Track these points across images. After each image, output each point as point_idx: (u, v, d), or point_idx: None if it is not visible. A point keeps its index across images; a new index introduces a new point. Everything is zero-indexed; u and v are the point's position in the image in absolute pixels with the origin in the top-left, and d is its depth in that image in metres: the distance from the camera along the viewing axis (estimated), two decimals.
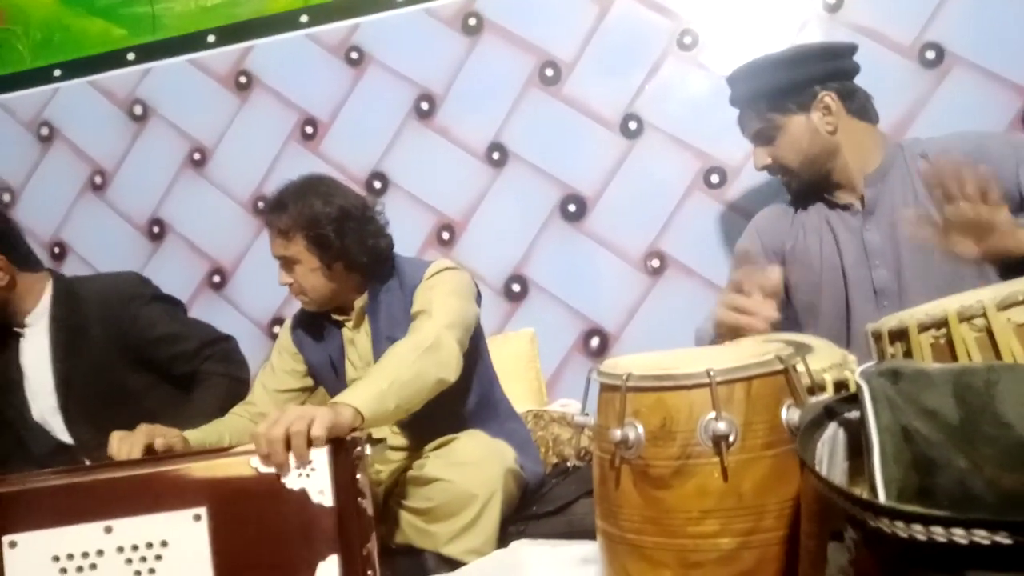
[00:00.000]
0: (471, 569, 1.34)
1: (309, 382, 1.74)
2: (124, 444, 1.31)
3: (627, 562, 0.96)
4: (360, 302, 1.66)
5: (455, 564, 1.38)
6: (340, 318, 1.69)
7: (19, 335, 1.95)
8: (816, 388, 1.00)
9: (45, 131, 2.79)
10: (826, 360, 1.10)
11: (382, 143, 2.50)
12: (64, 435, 1.92)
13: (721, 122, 2.18)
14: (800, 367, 0.98)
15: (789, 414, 0.93)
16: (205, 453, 1.36)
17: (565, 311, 2.34)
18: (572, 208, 2.34)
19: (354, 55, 2.52)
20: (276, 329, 2.48)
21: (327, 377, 1.71)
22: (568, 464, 1.82)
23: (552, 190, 2.35)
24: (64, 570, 1.09)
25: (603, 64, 2.32)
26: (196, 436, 1.50)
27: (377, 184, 2.50)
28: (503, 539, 1.42)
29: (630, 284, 2.28)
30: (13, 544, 1.09)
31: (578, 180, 2.33)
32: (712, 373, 0.91)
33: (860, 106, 1.67)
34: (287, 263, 1.62)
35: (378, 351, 1.61)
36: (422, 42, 2.46)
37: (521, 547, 1.35)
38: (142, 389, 1.90)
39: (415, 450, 1.62)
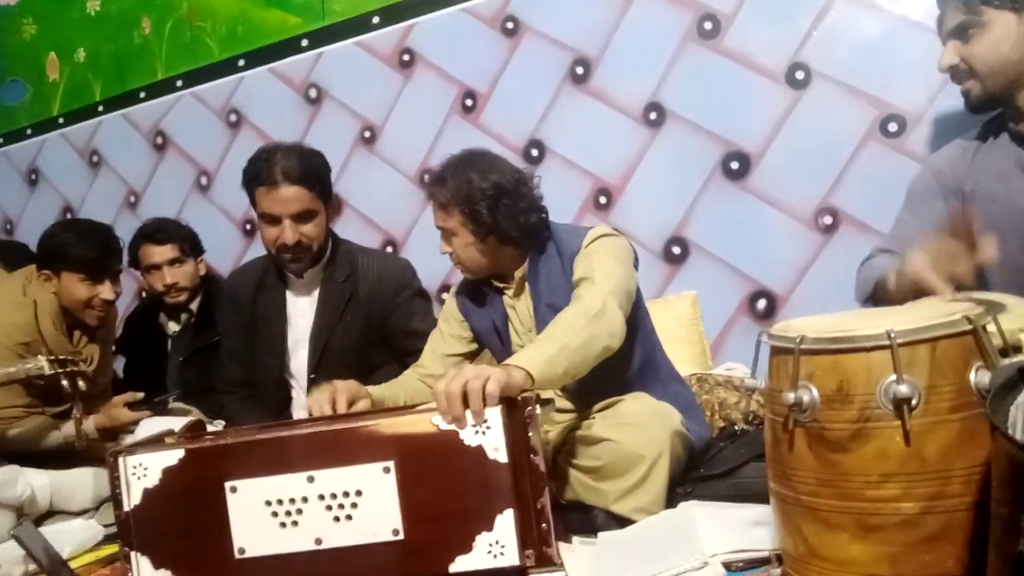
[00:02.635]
0: (641, 527, 1.36)
1: (475, 347, 1.82)
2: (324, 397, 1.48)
3: (802, 524, 0.95)
4: (520, 272, 1.71)
5: (624, 521, 1.40)
6: (501, 286, 1.74)
7: (287, 280, 2.06)
8: (1010, 349, 0.94)
9: (234, 118, 3.05)
10: (1021, 319, 1.02)
11: (538, 110, 2.53)
12: (300, 390, 2.05)
13: (898, 65, 2.04)
14: (991, 327, 0.92)
15: (978, 376, 0.89)
16: (392, 411, 1.47)
17: (729, 273, 2.29)
18: (735, 165, 2.27)
19: (509, 25, 2.55)
20: (444, 295, 2.59)
21: (492, 342, 1.77)
22: (736, 428, 1.80)
23: (713, 148, 2.29)
24: (275, 513, 1.21)
25: (765, 12, 2.22)
26: (376, 392, 1.63)
27: (534, 152, 2.54)
28: (671, 500, 1.43)
29: (799, 243, 2.19)
30: (234, 489, 1.22)
31: (741, 136, 2.26)
32: (892, 334, 0.87)
33: None
34: (446, 234, 1.69)
35: (539, 318, 1.65)
36: (576, 5, 2.46)
37: (691, 507, 1.36)
38: (377, 364, 2.02)
39: (580, 412, 1.66)
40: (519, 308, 1.72)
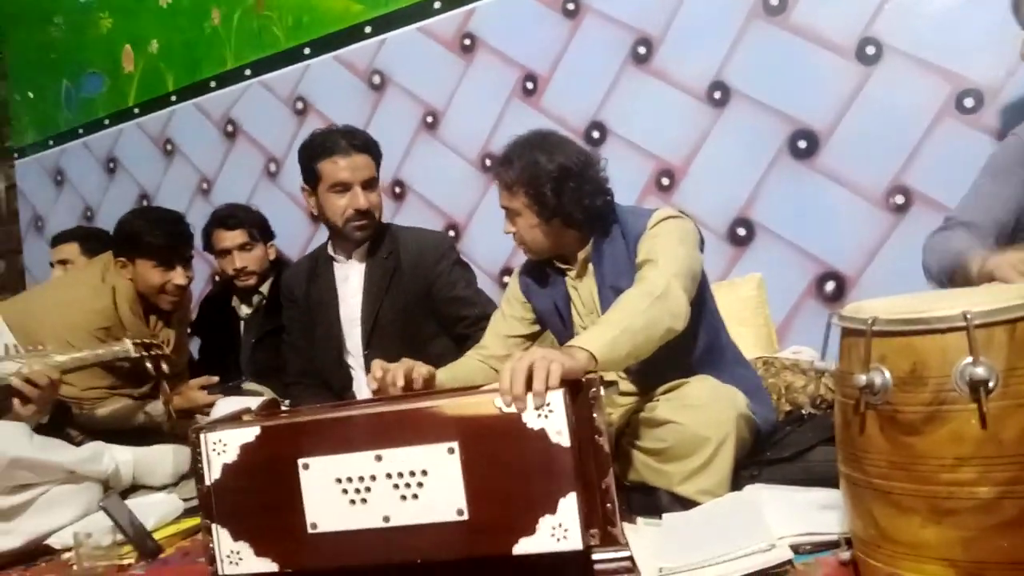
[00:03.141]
0: (706, 508, 1.36)
1: (537, 328, 1.83)
2: (387, 374, 1.49)
3: (873, 507, 0.94)
4: (583, 253, 1.70)
5: (688, 503, 1.40)
6: (563, 267, 1.75)
7: (334, 260, 2.18)
8: None
9: (300, 105, 3.11)
10: None
11: (600, 92, 2.52)
12: (359, 368, 2.12)
13: (974, 38, 1.97)
14: None
15: None
16: (457, 391, 1.49)
17: (796, 254, 2.25)
18: (802, 144, 2.22)
19: (570, 6, 2.54)
20: (505, 279, 2.62)
21: (554, 323, 1.78)
22: (803, 411, 1.77)
23: (779, 126, 2.25)
24: (345, 491, 1.24)
25: None
26: (438, 374, 1.64)
27: (595, 134, 2.53)
28: (736, 483, 1.43)
29: (870, 223, 2.14)
30: (306, 466, 1.26)
31: (808, 114, 2.21)
32: (969, 316, 0.85)
33: None
34: (511, 214, 1.70)
35: (603, 300, 1.65)
36: None
37: (757, 490, 1.35)
38: (428, 337, 2.09)
39: (644, 395, 1.66)
40: (582, 290, 1.72)
